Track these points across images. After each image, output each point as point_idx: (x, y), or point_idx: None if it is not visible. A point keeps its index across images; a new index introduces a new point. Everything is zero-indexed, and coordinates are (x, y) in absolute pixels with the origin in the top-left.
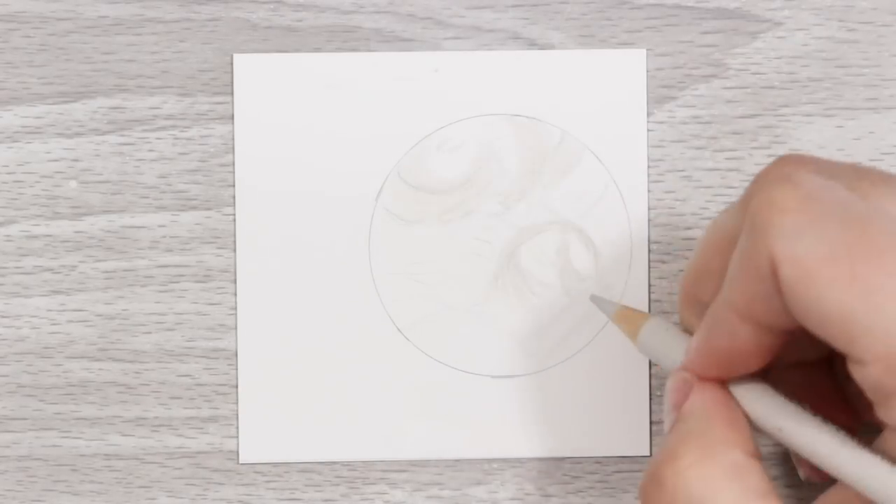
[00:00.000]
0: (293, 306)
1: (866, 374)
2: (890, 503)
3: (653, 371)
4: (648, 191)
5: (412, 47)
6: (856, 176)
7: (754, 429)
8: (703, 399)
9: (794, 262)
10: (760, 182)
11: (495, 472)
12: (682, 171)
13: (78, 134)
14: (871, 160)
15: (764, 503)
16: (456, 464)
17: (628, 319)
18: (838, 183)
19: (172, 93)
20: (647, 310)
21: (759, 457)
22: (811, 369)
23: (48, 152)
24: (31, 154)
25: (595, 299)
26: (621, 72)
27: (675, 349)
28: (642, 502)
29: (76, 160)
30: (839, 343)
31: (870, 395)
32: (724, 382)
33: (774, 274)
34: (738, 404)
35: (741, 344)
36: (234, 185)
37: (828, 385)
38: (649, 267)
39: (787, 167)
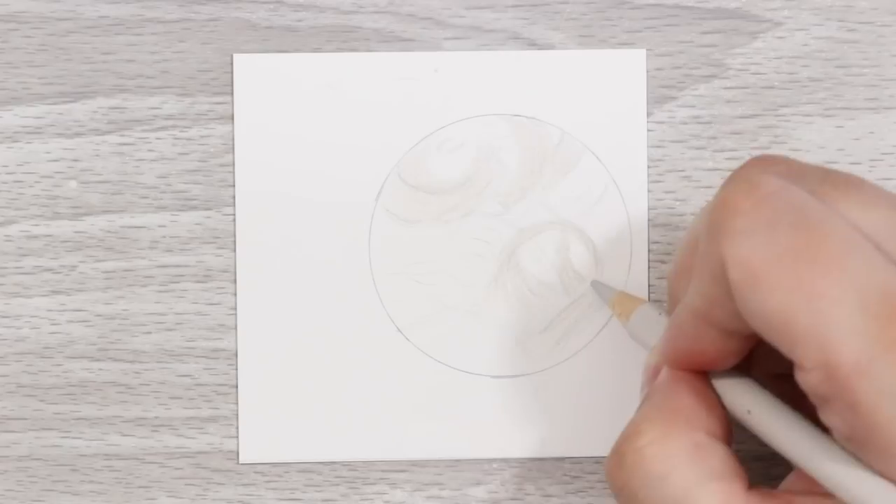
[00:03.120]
0: (293, 306)
1: (806, 380)
2: (839, 492)
3: None
4: (648, 191)
5: (412, 47)
6: (821, 178)
7: (731, 416)
8: (671, 378)
9: (742, 264)
10: (725, 183)
11: (495, 472)
12: (682, 171)
13: (78, 134)
14: (871, 160)
15: (721, 484)
16: (456, 464)
17: (623, 304)
18: (802, 185)
19: (172, 93)
20: None
21: (726, 439)
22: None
23: (48, 152)
24: (31, 154)
25: (595, 285)
26: (621, 72)
27: (660, 335)
28: (606, 477)
29: (76, 160)
30: (783, 347)
31: (811, 398)
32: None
33: (726, 276)
34: (709, 386)
35: (705, 346)
36: (234, 185)
37: None
38: (649, 267)
39: (753, 168)
